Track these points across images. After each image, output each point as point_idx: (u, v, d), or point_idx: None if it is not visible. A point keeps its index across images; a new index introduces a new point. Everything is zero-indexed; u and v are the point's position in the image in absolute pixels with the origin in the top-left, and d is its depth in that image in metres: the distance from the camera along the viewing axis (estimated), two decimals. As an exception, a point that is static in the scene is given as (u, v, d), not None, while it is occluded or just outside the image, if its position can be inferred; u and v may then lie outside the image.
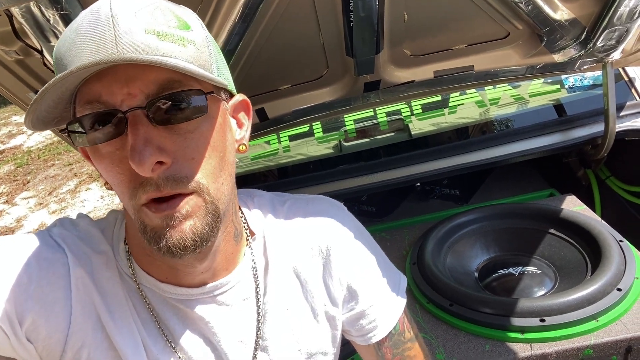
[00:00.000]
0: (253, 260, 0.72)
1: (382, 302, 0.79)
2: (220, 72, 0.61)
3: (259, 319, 0.71)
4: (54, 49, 0.55)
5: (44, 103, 0.52)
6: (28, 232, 4.24)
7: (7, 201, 5.06)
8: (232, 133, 0.65)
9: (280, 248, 0.74)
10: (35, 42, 1.02)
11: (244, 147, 0.67)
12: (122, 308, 0.65)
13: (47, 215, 4.56)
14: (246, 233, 0.73)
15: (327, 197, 0.82)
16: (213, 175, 0.58)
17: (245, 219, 0.74)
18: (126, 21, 0.51)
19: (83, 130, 0.54)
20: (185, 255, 0.56)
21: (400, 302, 0.81)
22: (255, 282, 0.72)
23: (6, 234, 4.35)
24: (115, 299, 0.65)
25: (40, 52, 1.05)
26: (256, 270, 0.72)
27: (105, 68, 0.52)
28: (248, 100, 0.69)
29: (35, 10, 0.95)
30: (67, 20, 0.99)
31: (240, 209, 0.75)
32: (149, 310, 0.67)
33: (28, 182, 5.42)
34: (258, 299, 0.71)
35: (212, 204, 0.58)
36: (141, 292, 0.67)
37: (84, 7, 1.01)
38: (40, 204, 4.84)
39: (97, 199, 4.60)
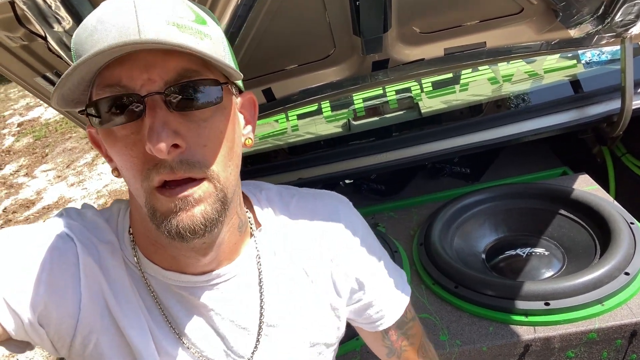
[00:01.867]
0: (257, 250, 0.74)
1: (389, 292, 0.83)
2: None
3: (262, 307, 0.73)
4: (74, 35, 0.58)
5: (69, 82, 0.54)
6: (40, 208, 4.34)
7: (27, 174, 5.18)
8: (240, 127, 0.68)
9: (287, 240, 0.76)
10: (39, 28, 1.02)
11: (249, 141, 0.70)
12: (128, 295, 0.67)
13: (66, 188, 4.66)
14: (250, 224, 0.75)
15: (333, 192, 0.84)
16: (223, 164, 0.60)
17: (248, 210, 0.76)
18: (149, 12, 0.53)
19: (102, 113, 0.56)
20: (194, 239, 0.58)
21: (406, 292, 0.86)
22: (259, 271, 0.73)
23: (27, 207, 4.47)
24: (121, 287, 0.67)
25: (44, 38, 1.05)
26: (260, 260, 0.73)
27: (126, 54, 0.54)
28: (254, 98, 0.72)
29: (37, -4, 0.94)
30: (68, 6, 0.99)
31: (249, 201, 0.77)
32: (154, 298, 0.69)
33: (46, 154, 5.52)
34: (261, 288, 0.73)
35: (221, 191, 0.60)
36: (145, 280, 0.69)
37: (85, -7, 1.01)
38: (59, 176, 4.94)
39: (114, 172, 4.67)
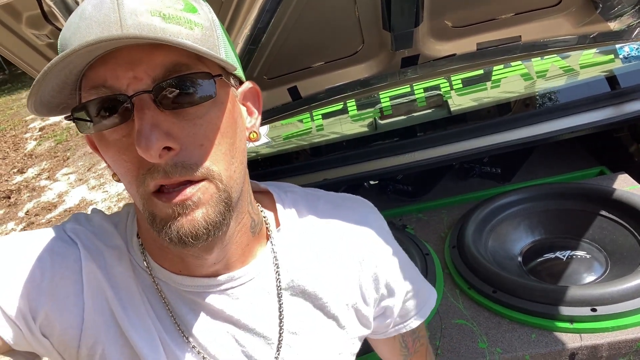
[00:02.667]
0: (274, 252, 0.69)
1: (416, 297, 0.80)
2: (229, 57, 0.58)
3: (281, 313, 0.68)
4: (59, 35, 0.53)
5: (47, 85, 0.50)
6: (62, 211, 4.38)
7: (49, 177, 5.24)
8: (243, 120, 0.63)
9: (312, 241, 0.71)
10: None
11: (255, 134, 0.65)
12: (136, 303, 0.63)
13: (87, 191, 4.70)
14: (267, 224, 0.70)
15: (361, 198, 0.80)
16: (224, 162, 0.56)
17: (264, 210, 0.72)
18: (131, 3, 0.49)
19: (89, 117, 0.52)
20: (197, 245, 0.54)
21: (432, 296, 0.84)
22: (277, 274, 0.68)
23: (49, 210, 4.52)
24: (128, 295, 0.63)
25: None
26: (277, 263, 0.69)
27: (110, 52, 0.50)
28: (258, 87, 0.67)
29: (63, -8, 0.92)
30: (95, 1, 0.97)
31: (273, 200, 0.73)
32: (165, 304, 0.65)
33: (68, 158, 5.58)
34: (279, 294, 0.68)
35: (224, 191, 0.56)
36: (156, 285, 0.65)
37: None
38: (80, 179, 4.99)
39: (134, 175, 4.70)
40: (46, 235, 0.64)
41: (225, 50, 0.57)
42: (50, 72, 0.47)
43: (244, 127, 0.63)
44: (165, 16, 0.50)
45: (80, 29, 0.49)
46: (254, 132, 0.65)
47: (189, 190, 0.53)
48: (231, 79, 0.59)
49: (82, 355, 0.61)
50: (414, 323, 0.81)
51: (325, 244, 0.71)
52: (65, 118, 0.55)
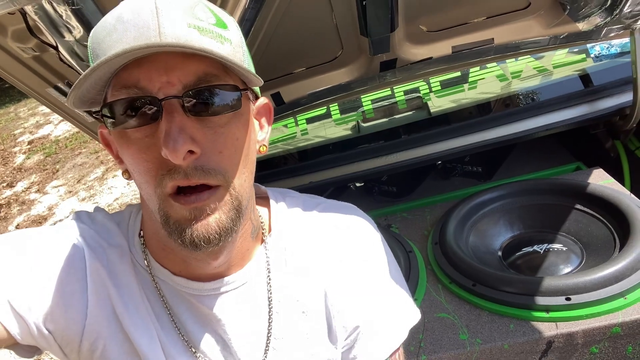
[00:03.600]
0: (267, 256, 0.72)
1: (378, 330, 0.75)
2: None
3: (271, 317, 0.71)
4: (91, 33, 0.57)
5: (87, 82, 0.53)
6: (52, 224, 4.37)
7: (38, 190, 5.22)
8: (255, 133, 0.67)
9: (303, 246, 0.73)
10: (50, 38, 1.02)
11: (264, 148, 0.69)
12: (136, 301, 0.66)
13: (77, 203, 4.69)
14: (263, 229, 0.73)
15: (357, 209, 0.81)
16: (238, 171, 0.59)
17: (262, 215, 0.74)
18: (169, 14, 0.53)
19: (117, 114, 0.55)
20: (208, 249, 0.57)
21: (397, 337, 0.76)
22: (268, 280, 0.71)
23: (40, 223, 4.50)
24: (129, 292, 0.66)
25: (56, 48, 1.06)
26: (269, 268, 0.71)
27: (145, 55, 0.53)
28: (271, 104, 0.71)
29: (47, 7, 0.95)
30: (79, 15, 0.99)
31: (269, 205, 0.76)
32: (163, 303, 0.68)
33: (57, 170, 5.56)
34: (270, 298, 0.71)
35: (236, 199, 0.59)
36: (156, 284, 0.68)
37: (94, 1, 1.02)
38: (70, 192, 4.97)
39: (124, 186, 4.70)
40: (51, 233, 0.67)
41: (248, 66, 0.61)
42: (98, 68, 0.51)
43: (256, 139, 0.67)
44: (200, 29, 0.54)
45: (117, 30, 0.53)
46: (264, 145, 0.69)
47: (206, 195, 0.56)
48: (250, 94, 0.63)
49: (84, 349, 0.64)
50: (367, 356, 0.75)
51: (316, 249, 0.73)
52: (94, 113, 0.59)
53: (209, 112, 0.56)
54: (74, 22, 1.00)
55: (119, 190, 4.67)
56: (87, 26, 1.02)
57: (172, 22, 0.52)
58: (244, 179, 0.61)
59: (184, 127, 0.53)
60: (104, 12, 1.07)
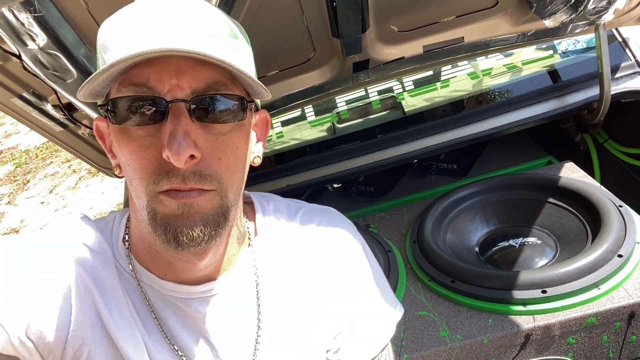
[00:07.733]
0: (254, 260, 0.72)
1: (366, 329, 0.78)
2: None
3: (259, 321, 0.71)
4: (102, 26, 0.58)
5: (102, 77, 0.54)
6: (31, 231, 4.26)
7: (9, 202, 5.07)
8: (252, 144, 0.68)
9: (287, 250, 0.74)
10: (13, 47, 0.99)
11: (258, 159, 0.70)
12: (121, 306, 0.65)
13: (50, 214, 4.57)
14: (249, 234, 0.74)
15: (337, 212, 0.82)
16: (232, 179, 0.61)
17: (248, 220, 0.75)
18: (185, 19, 0.54)
19: (119, 110, 0.56)
20: (190, 247, 0.57)
21: (386, 333, 0.79)
22: (256, 282, 0.71)
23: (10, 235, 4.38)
24: (114, 298, 0.65)
25: (19, 57, 1.03)
26: (257, 271, 0.72)
27: (158, 56, 0.53)
28: (269, 117, 0.72)
29: (8, 15, 0.92)
30: (42, 22, 0.97)
31: (254, 209, 0.76)
32: (149, 307, 0.67)
33: (28, 181, 5.41)
34: (258, 301, 0.71)
35: (225, 204, 0.60)
36: (141, 289, 0.67)
37: (57, 8, 0.99)
38: (42, 202, 4.85)
39: (98, 195, 4.61)
40: (34, 240, 0.66)
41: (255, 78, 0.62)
42: (117, 65, 0.51)
43: (251, 150, 0.67)
44: (216, 37, 0.55)
45: (131, 31, 0.53)
46: (258, 156, 0.69)
47: (197, 194, 0.57)
48: (252, 105, 0.63)
49: (67, 357, 0.63)
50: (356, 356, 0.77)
51: (299, 254, 0.74)
52: (98, 106, 0.59)
53: (214, 119, 0.57)
54: (36, 29, 0.97)
55: (92, 200, 4.57)
56: (51, 33, 1.00)
57: (187, 27, 0.53)
58: (236, 188, 0.62)
59: (189, 132, 0.54)
60: (68, 19, 1.05)
